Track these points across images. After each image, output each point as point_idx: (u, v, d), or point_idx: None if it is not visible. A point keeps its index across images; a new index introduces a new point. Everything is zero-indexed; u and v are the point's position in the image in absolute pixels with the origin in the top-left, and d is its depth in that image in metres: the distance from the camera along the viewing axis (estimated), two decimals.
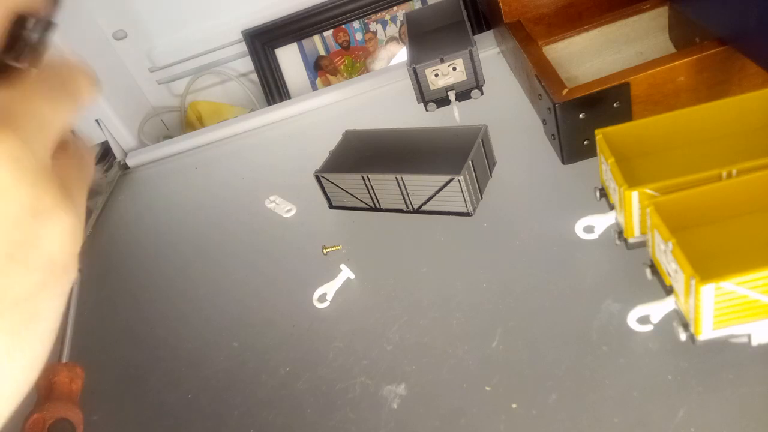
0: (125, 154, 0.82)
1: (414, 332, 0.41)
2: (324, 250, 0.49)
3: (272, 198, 0.58)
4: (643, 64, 0.46)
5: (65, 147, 0.23)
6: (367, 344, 0.41)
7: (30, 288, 0.20)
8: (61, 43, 0.84)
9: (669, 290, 0.34)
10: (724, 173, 0.34)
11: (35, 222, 0.20)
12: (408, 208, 0.50)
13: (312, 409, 0.38)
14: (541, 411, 0.34)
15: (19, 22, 0.19)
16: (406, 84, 0.60)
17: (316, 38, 0.86)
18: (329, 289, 0.46)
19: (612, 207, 0.40)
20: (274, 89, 0.87)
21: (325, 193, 0.53)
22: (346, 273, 0.46)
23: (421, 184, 0.47)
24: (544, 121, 0.51)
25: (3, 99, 0.20)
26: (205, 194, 0.67)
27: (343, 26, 0.85)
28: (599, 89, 0.45)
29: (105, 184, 0.78)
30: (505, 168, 0.52)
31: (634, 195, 0.35)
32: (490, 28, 0.71)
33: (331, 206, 0.54)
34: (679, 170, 0.34)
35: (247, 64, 0.89)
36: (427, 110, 0.59)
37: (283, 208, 0.57)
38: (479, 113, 0.57)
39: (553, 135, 0.49)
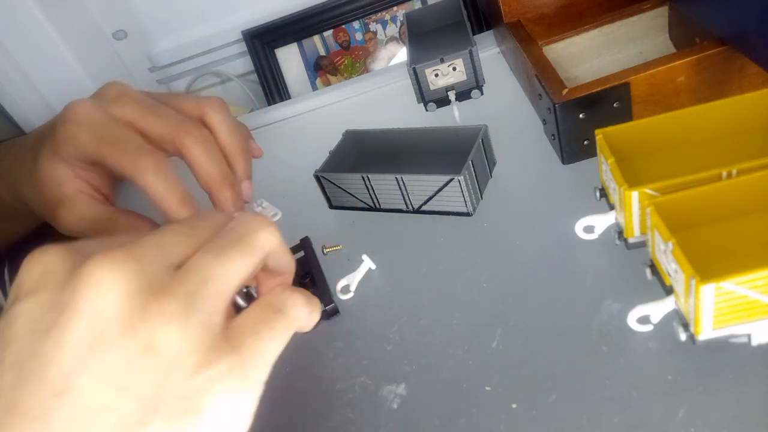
0: None
1: (414, 332, 0.41)
2: (324, 250, 0.49)
3: (259, 201, 0.58)
4: (643, 64, 0.46)
5: (263, 300, 0.25)
6: (367, 344, 0.41)
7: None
8: (61, 42, 0.85)
9: (669, 290, 0.34)
10: (724, 173, 0.34)
11: (195, 377, 0.21)
12: (408, 208, 0.50)
13: (312, 409, 0.38)
14: (541, 411, 0.34)
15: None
16: (406, 84, 0.60)
17: (316, 38, 0.86)
18: (351, 280, 0.46)
19: (612, 207, 0.40)
20: (274, 89, 0.87)
21: (325, 193, 0.53)
22: (367, 264, 0.46)
23: (421, 184, 0.47)
24: (544, 121, 0.51)
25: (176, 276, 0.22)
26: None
27: (343, 26, 0.85)
28: (599, 89, 0.45)
29: None
30: (505, 168, 0.52)
31: (634, 195, 0.35)
32: (490, 28, 0.71)
33: (331, 206, 0.54)
34: (679, 170, 0.34)
35: (247, 64, 0.89)
36: (427, 110, 0.59)
37: (268, 212, 0.56)
38: (479, 113, 0.57)
39: (553, 135, 0.49)
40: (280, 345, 0.24)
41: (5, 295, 0.50)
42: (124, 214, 0.39)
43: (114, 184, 0.40)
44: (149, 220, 0.37)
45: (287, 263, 0.27)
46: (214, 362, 0.21)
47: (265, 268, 0.27)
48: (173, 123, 0.36)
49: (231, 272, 0.23)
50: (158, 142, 0.37)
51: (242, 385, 0.22)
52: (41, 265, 0.22)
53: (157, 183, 0.34)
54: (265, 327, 0.23)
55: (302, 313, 0.25)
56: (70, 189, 0.38)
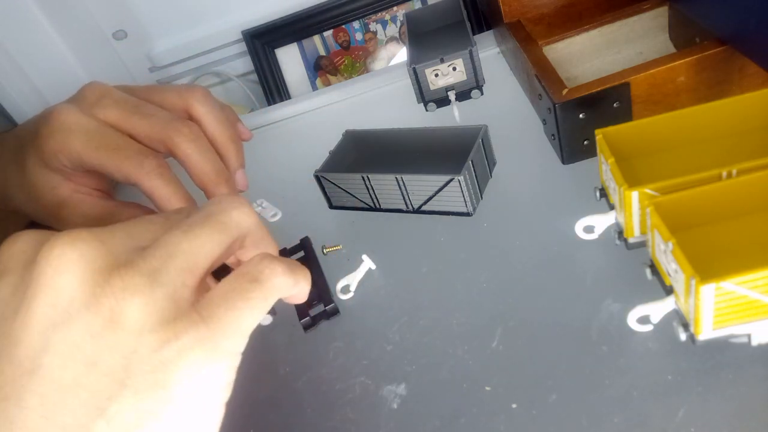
0: None
1: (414, 332, 0.41)
2: (324, 251, 0.49)
3: (259, 201, 0.58)
4: (643, 64, 0.46)
5: (239, 271, 0.23)
6: (367, 344, 0.41)
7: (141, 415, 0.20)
8: (61, 42, 0.85)
9: (669, 290, 0.34)
10: (724, 173, 0.34)
11: (162, 350, 0.20)
12: (408, 208, 0.50)
13: (312, 409, 0.38)
14: (541, 411, 0.34)
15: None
16: (406, 84, 0.60)
17: (316, 38, 0.86)
18: (351, 280, 0.46)
19: (612, 207, 0.40)
20: (274, 89, 0.87)
21: (325, 193, 0.53)
22: (367, 264, 0.46)
23: (421, 184, 0.47)
24: (544, 121, 0.51)
25: (139, 236, 0.22)
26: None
27: (343, 26, 0.85)
28: (599, 89, 0.45)
29: None
30: (505, 168, 0.52)
31: (634, 195, 0.35)
32: (490, 28, 0.71)
33: (331, 206, 0.54)
34: (679, 170, 0.34)
35: (247, 64, 0.89)
36: (427, 110, 0.59)
37: (268, 212, 0.57)
38: (479, 113, 0.57)
39: (553, 135, 0.49)
40: (256, 314, 0.23)
41: None
42: (127, 207, 0.38)
43: (112, 181, 0.40)
44: (152, 212, 0.37)
45: (268, 244, 0.27)
46: (182, 334, 0.21)
47: (248, 252, 0.26)
48: (161, 122, 0.35)
49: (199, 247, 0.22)
50: (146, 142, 0.36)
51: (214, 356, 0.21)
52: (11, 248, 0.22)
53: (161, 186, 0.34)
54: (238, 296, 0.22)
55: (283, 282, 0.24)
56: (67, 190, 0.38)
